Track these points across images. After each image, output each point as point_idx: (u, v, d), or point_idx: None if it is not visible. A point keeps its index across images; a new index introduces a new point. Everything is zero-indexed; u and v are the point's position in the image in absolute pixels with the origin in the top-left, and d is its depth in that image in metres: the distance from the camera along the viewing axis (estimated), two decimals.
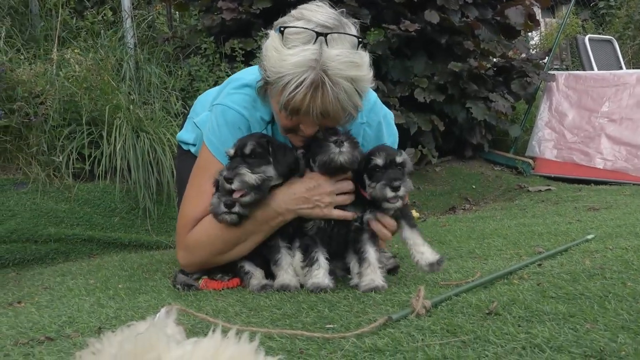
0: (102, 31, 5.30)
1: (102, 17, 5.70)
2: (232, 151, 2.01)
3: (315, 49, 1.83)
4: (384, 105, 2.49)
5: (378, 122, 2.40)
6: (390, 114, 2.54)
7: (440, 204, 5.93)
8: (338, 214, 2.06)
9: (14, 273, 3.18)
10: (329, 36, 1.85)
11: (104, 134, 4.12)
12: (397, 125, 5.53)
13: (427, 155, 5.88)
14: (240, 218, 2.03)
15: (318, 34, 1.84)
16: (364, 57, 1.94)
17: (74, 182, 4.00)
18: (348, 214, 2.08)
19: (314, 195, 2.02)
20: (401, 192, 2.00)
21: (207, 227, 2.10)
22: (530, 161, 6.88)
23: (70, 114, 4.19)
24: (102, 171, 4.06)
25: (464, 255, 2.75)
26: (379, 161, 2.01)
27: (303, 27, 1.88)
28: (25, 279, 2.84)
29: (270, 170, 2.01)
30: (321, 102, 1.84)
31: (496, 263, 2.44)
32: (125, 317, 1.82)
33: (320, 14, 1.92)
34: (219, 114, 2.18)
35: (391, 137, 2.52)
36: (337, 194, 2.06)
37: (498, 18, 6.06)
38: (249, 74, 2.27)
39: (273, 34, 1.94)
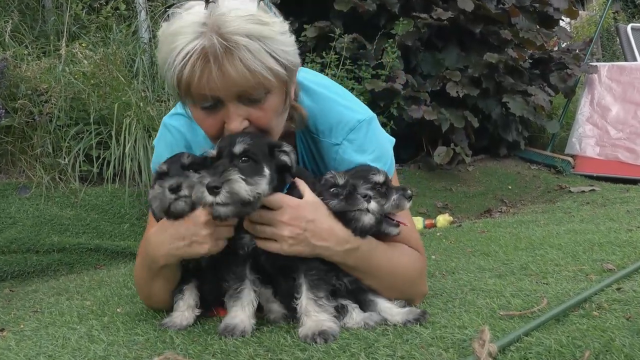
0: (114, 25, 5.01)
1: (115, 10, 5.43)
2: (213, 152, 1.50)
3: (203, 12, 1.44)
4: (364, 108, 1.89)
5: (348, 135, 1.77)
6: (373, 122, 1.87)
7: (475, 206, 5.52)
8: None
9: (7, 290, 2.88)
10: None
11: (113, 134, 3.82)
12: (428, 122, 5.19)
13: (460, 153, 5.47)
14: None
15: (207, 1, 1.45)
16: (274, 18, 1.52)
17: (80, 186, 3.71)
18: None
19: (189, 229, 1.55)
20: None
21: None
22: (570, 159, 6.42)
23: (77, 112, 3.90)
24: (110, 174, 3.76)
25: (517, 272, 2.37)
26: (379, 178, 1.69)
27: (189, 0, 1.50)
28: (17, 299, 2.55)
29: (264, 186, 1.46)
30: (220, 71, 1.41)
31: (560, 284, 2.05)
32: (115, 357, 1.49)
33: None
34: (159, 135, 1.88)
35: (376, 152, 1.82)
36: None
37: (537, 5, 5.61)
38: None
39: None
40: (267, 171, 1.49)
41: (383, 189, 1.68)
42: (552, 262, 2.49)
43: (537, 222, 4.18)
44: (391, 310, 1.68)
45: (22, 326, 1.96)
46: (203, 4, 1.46)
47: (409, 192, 1.72)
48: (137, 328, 1.75)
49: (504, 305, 1.79)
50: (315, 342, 1.46)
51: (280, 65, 1.49)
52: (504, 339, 1.38)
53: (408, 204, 1.72)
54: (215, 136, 1.57)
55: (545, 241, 3.08)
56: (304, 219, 1.53)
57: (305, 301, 1.57)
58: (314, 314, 1.55)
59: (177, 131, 1.84)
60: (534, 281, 2.16)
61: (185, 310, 1.71)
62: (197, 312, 1.72)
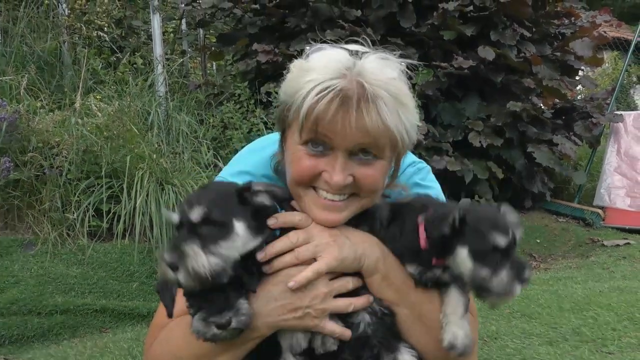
0: (130, 78, 4.97)
1: (132, 65, 5.43)
2: (176, 217, 1.29)
3: (348, 58, 1.38)
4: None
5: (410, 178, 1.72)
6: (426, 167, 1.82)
7: None
8: (332, 328, 1.38)
9: (2, 358, 2.65)
10: (365, 54, 1.40)
11: (125, 187, 3.66)
12: (451, 173, 5.00)
13: None
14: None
15: (351, 52, 1.40)
16: (411, 96, 1.44)
17: (88, 242, 3.52)
18: (345, 332, 1.38)
19: (304, 299, 1.37)
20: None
21: (172, 336, 1.47)
22: (600, 211, 6.13)
23: (89, 165, 3.77)
24: (120, 229, 3.57)
25: (570, 338, 2.10)
26: (501, 240, 1.28)
27: (333, 47, 1.43)
28: None
29: (233, 249, 1.27)
30: (357, 116, 1.32)
31: (626, 354, 1.78)
32: None
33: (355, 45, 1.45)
34: None
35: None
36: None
37: (558, 54, 5.49)
38: (248, 158, 1.74)
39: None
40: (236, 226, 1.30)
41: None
42: (607, 326, 2.22)
43: (574, 279, 3.90)
44: None
45: None
46: (347, 52, 1.41)
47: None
48: None
49: None
50: None
51: (406, 133, 1.41)
52: None
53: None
54: (301, 182, 1.44)
55: (592, 301, 2.80)
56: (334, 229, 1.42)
57: None
58: None
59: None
60: (593, 350, 1.89)
61: None
62: None
